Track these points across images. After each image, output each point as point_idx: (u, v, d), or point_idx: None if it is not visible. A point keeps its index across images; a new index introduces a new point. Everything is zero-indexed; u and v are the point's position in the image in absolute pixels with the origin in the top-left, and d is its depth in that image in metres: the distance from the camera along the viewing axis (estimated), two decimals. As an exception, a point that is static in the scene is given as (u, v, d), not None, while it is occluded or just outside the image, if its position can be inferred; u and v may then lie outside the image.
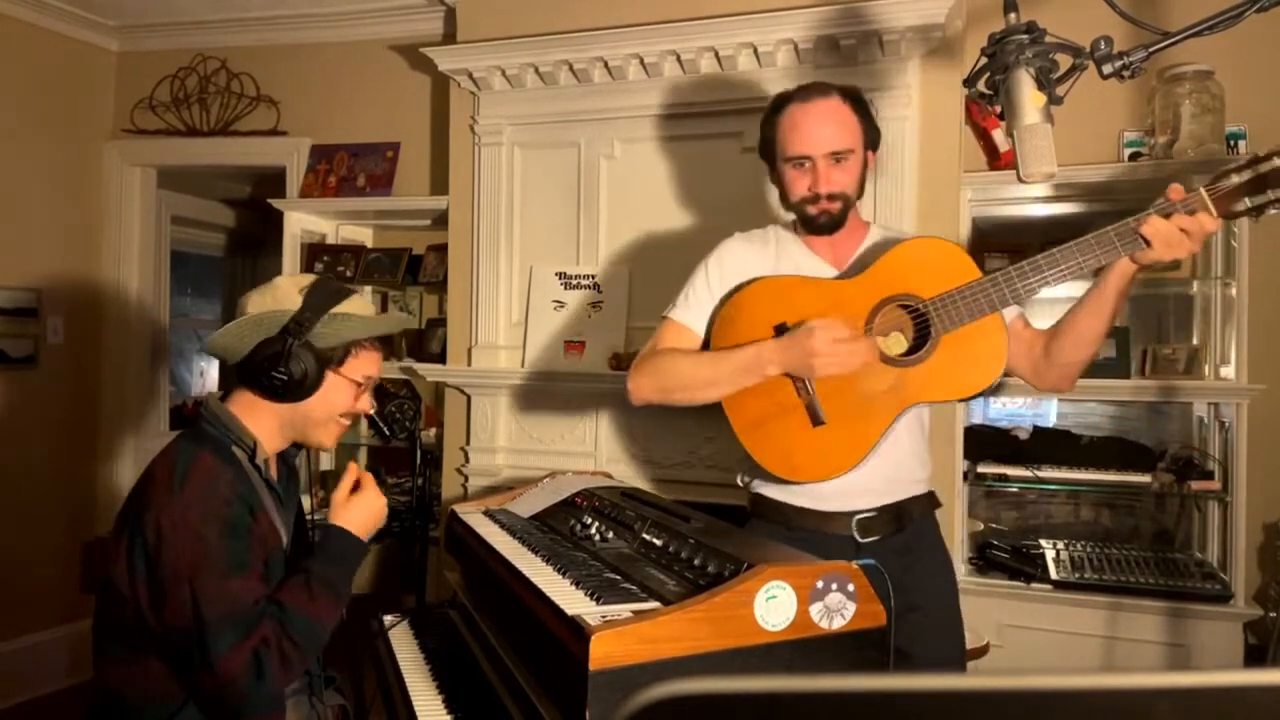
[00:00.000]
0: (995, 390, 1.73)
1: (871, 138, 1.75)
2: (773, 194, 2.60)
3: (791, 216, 1.82)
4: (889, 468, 1.70)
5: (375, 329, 1.57)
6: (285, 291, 1.51)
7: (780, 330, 1.67)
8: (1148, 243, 1.47)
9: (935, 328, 1.61)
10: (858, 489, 1.70)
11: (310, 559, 1.49)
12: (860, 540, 1.70)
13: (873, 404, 1.64)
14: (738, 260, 1.79)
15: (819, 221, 1.72)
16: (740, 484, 1.87)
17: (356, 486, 1.58)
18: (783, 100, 1.74)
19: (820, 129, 1.68)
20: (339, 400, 1.55)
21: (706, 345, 1.77)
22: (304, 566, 1.47)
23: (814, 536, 1.68)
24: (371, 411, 1.66)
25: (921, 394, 1.64)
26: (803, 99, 1.71)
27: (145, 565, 1.38)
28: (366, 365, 1.57)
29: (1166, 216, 1.45)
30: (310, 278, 1.56)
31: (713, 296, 1.78)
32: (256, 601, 1.38)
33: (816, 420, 1.64)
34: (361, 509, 1.54)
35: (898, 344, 1.66)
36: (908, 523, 1.74)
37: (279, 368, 1.45)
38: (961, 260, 1.64)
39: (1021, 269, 1.56)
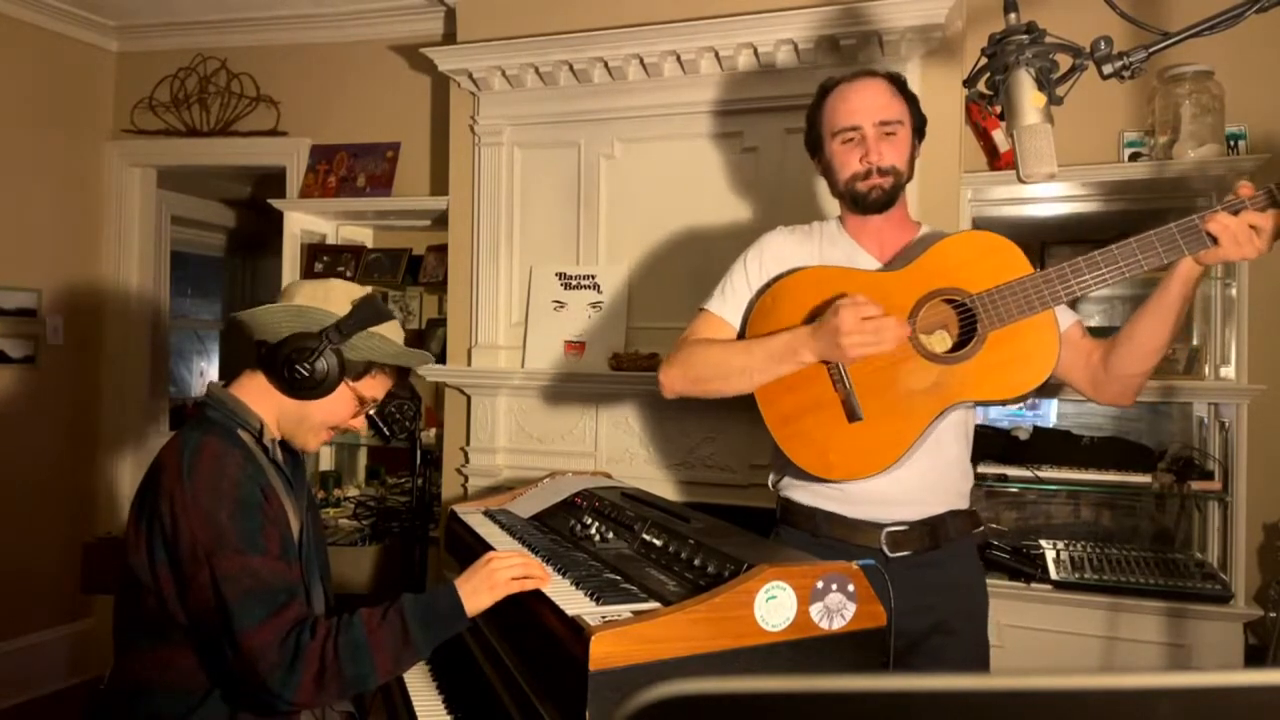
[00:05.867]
0: (1044, 393, 1.64)
1: (918, 123, 1.72)
2: (773, 195, 2.62)
3: (835, 214, 1.79)
4: (930, 475, 1.63)
5: (403, 359, 1.60)
6: (338, 294, 1.55)
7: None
8: (1214, 240, 1.40)
9: (982, 324, 1.54)
10: (893, 497, 1.62)
11: (408, 597, 1.42)
12: (890, 555, 1.62)
13: (912, 402, 1.57)
14: (779, 252, 1.74)
15: (870, 198, 1.66)
16: (770, 486, 1.81)
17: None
18: (828, 84, 1.73)
19: (869, 99, 1.66)
20: (339, 411, 1.58)
21: (742, 338, 1.72)
22: (399, 600, 1.41)
23: (840, 546, 1.62)
24: (362, 429, 1.66)
25: (964, 393, 1.56)
26: (848, 79, 1.70)
27: (165, 552, 1.38)
28: (377, 388, 1.60)
29: (1235, 214, 1.39)
30: (363, 290, 1.59)
31: (750, 289, 1.73)
32: (282, 580, 1.36)
33: (853, 416, 1.58)
34: (484, 579, 1.44)
35: (941, 343, 1.59)
36: (943, 540, 1.66)
37: (304, 363, 1.48)
38: (1012, 255, 1.57)
39: (1077, 265, 1.49)
